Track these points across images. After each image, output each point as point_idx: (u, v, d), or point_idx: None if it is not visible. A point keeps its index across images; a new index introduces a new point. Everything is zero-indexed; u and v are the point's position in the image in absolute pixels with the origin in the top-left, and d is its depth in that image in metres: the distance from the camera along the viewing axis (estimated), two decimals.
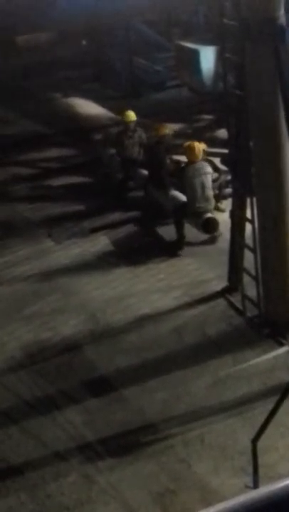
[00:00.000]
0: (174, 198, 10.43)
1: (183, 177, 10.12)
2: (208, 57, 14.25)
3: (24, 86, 16.85)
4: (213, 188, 10.22)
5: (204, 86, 14.43)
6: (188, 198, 10.07)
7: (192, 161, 10.09)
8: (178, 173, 10.38)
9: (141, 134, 11.72)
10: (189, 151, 10.11)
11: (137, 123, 11.87)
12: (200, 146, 10.16)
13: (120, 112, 12.21)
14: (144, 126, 12.04)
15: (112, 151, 12.10)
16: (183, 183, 10.14)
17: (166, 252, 9.92)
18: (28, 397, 7.53)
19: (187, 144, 10.28)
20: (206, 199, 9.98)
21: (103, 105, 15.61)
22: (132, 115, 11.73)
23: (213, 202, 10.07)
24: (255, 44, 7.29)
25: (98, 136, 13.85)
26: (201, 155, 10.09)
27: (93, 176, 12.55)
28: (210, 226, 9.86)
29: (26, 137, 14.26)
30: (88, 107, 15.82)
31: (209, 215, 9.91)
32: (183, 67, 15.22)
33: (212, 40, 13.69)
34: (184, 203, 10.15)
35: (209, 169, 10.10)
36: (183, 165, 10.35)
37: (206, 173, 10.02)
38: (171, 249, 9.93)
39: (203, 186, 9.97)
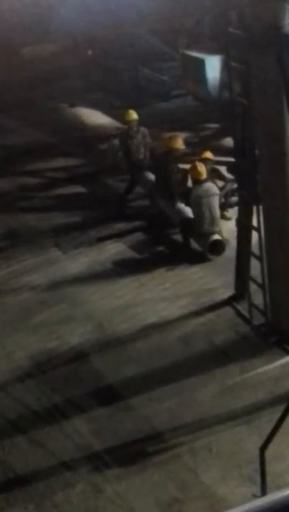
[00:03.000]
0: (181, 211, 10.39)
1: (190, 198, 10.08)
2: (213, 67, 14.29)
3: (30, 96, 16.92)
4: (220, 196, 10.20)
5: (210, 95, 14.46)
6: (195, 219, 10.00)
7: (198, 180, 10.04)
8: (185, 194, 10.32)
9: (144, 133, 11.53)
10: (194, 172, 10.07)
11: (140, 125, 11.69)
12: (203, 167, 10.07)
13: (123, 115, 12.07)
14: (150, 135, 12.02)
15: (120, 154, 11.91)
16: (190, 204, 10.10)
17: (172, 261, 9.91)
18: (35, 407, 7.53)
19: (191, 164, 10.18)
20: (213, 220, 9.88)
21: (109, 115, 15.65)
22: (133, 114, 11.52)
23: (219, 224, 9.94)
24: (260, 53, 7.30)
25: (104, 146, 13.89)
26: (205, 173, 10.01)
27: (99, 186, 12.57)
28: (216, 248, 9.80)
29: (33, 147, 14.31)
30: (94, 117, 15.87)
31: (216, 237, 9.81)
32: (188, 77, 15.26)
33: (217, 49, 13.73)
34: (190, 220, 10.08)
35: (216, 190, 10.02)
36: (189, 185, 10.28)
37: (213, 195, 9.92)
38: (176, 258, 9.89)
39: (210, 207, 9.88)
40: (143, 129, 11.60)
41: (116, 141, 12.11)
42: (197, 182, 10.05)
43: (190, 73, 15.12)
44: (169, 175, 10.73)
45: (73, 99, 16.73)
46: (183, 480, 6.39)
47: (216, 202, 9.94)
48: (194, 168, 10.09)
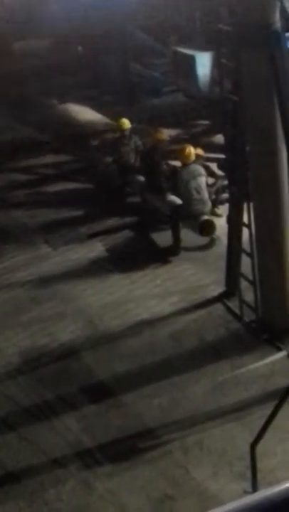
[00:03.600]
0: (171, 203, 10.45)
1: (177, 180, 10.16)
2: (204, 63, 14.30)
3: (20, 92, 16.85)
4: (210, 193, 10.24)
5: (200, 91, 14.47)
6: (183, 201, 10.10)
7: (185, 163, 10.13)
8: (172, 176, 10.42)
9: (136, 141, 11.81)
10: (181, 154, 10.16)
11: (133, 129, 11.91)
12: (192, 149, 10.19)
13: (115, 119, 12.26)
14: (140, 131, 12.06)
15: (109, 157, 12.14)
16: (178, 186, 10.17)
17: (162, 258, 9.92)
18: (25, 404, 7.51)
19: (179, 147, 10.34)
20: (202, 201, 10.00)
21: (100, 111, 15.63)
22: (126, 123, 11.83)
23: (209, 204, 10.08)
24: (250, 49, 7.31)
25: (95, 143, 13.87)
26: (193, 157, 10.13)
27: (89, 182, 12.56)
28: (206, 228, 9.85)
29: (23, 143, 14.27)
30: (85, 113, 15.84)
31: (206, 217, 9.92)
32: (179, 73, 15.26)
33: (208, 45, 13.73)
34: (180, 206, 10.17)
35: (203, 171, 10.14)
36: (178, 169, 10.38)
37: (200, 175, 10.06)
38: (167, 254, 9.94)
39: (198, 188, 10.00)
40: (135, 137, 11.84)
41: (108, 156, 12.24)
42: (184, 165, 10.10)
43: (180, 70, 15.12)
44: (158, 168, 10.79)
45: (64, 96, 16.70)
46: (174, 476, 6.40)
47: (203, 183, 10.04)
48: (182, 151, 10.15)
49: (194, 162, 10.16)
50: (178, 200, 10.30)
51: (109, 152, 12.21)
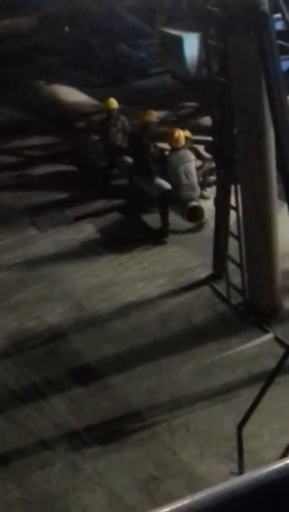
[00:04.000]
0: (159, 186, 10.41)
1: (166, 165, 10.11)
2: (191, 44, 14.20)
3: (5, 73, 16.70)
4: (198, 176, 10.21)
5: (188, 73, 14.39)
6: (172, 186, 10.06)
7: (175, 148, 10.07)
8: (161, 161, 10.36)
9: (124, 122, 11.70)
10: (171, 138, 10.10)
11: (120, 110, 11.83)
12: (182, 133, 10.13)
13: (103, 100, 12.18)
14: (128, 113, 11.99)
15: (96, 138, 12.06)
16: (167, 171, 10.12)
17: (150, 240, 9.92)
18: (13, 386, 7.52)
19: (169, 131, 10.27)
20: (191, 187, 9.95)
21: (86, 92, 15.53)
22: (114, 103, 11.69)
23: (198, 189, 10.04)
24: (238, 31, 7.27)
25: (82, 124, 13.80)
26: (183, 141, 10.07)
27: (77, 164, 12.51)
28: (195, 214, 9.83)
29: (8, 125, 14.17)
30: (71, 95, 15.74)
31: (194, 203, 9.88)
32: (166, 54, 15.16)
33: (196, 27, 13.64)
34: (168, 191, 10.14)
35: (192, 157, 10.07)
36: (167, 153, 10.34)
37: (189, 161, 10.00)
38: (156, 237, 9.93)
39: (187, 174, 9.94)
40: (122, 117, 11.73)
41: (95, 137, 12.17)
42: (174, 149, 10.05)
43: (168, 51, 15.02)
44: (146, 150, 10.73)
45: (50, 77, 16.58)
46: (161, 458, 6.44)
47: (192, 168, 9.97)
48: (172, 135, 10.09)
49: (184, 147, 10.09)
50: (166, 184, 10.27)
51: (97, 133, 12.11)
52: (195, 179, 10.00)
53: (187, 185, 9.92)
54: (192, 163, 10.02)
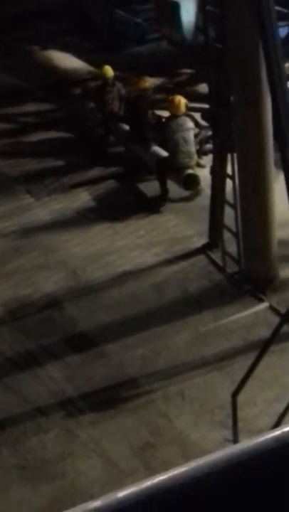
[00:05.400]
0: (156, 154, 10.35)
1: (164, 131, 10.05)
2: (188, 10, 14.03)
3: (0, 39, 16.48)
4: (194, 144, 10.15)
5: (185, 39, 14.23)
6: (169, 153, 10.00)
7: (174, 115, 10.00)
8: (159, 127, 10.30)
9: (120, 89, 11.62)
10: (172, 105, 10.02)
11: (116, 77, 11.72)
12: (182, 100, 10.05)
13: (98, 67, 12.06)
14: (124, 80, 11.87)
15: (92, 105, 11.97)
16: (164, 138, 10.06)
17: (147, 208, 9.88)
18: (8, 354, 7.54)
19: (170, 97, 10.18)
20: (188, 154, 9.91)
21: (82, 58, 15.35)
22: (109, 70, 11.62)
23: (195, 157, 10.00)
24: None
25: (77, 91, 13.66)
26: (183, 108, 10.01)
27: (72, 131, 12.41)
28: (191, 182, 9.79)
29: (3, 92, 14.02)
30: (67, 61, 15.55)
31: (190, 171, 9.84)
32: (163, 20, 14.97)
33: None
34: (165, 158, 10.08)
35: (191, 124, 10.01)
36: (164, 120, 10.26)
37: (188, 129, 9.94)
38: (154, 204, 9.89)
39: (185, 141, 9.89)
40: (118, 84, 11.63)
41: (91, 104, 12.06)
42: (173, 116, 9.99)
43: (164, 17, 14.83)
44: (143, 118, 10.65)
45: (45, 43, 16.36)
46: (156, 425, 6.49)
47: (190, 136, 9.92)
48: (173, 101, 10.01)
49: (183, 114, 10.00)
50: (163, 152, 10.20)
51: (93, 100, 12.03)
52: (193, 147, 9.94)
53: (184, 153, 9.88)
54: (191, 132, 9.96)
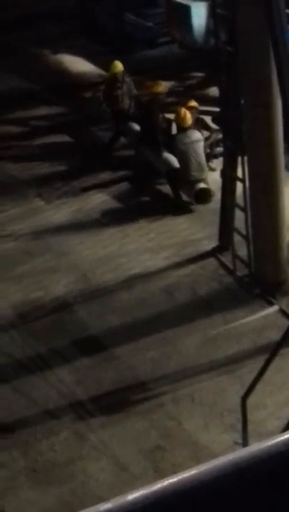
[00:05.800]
0: (167, 161, 10.28)
1: (174, 145, 9.97)
2: (199, 13, 14.04)
3: (8, 41, 16.50)
4: (205, 147, 10.12)
5: (195, 42, 14.24)
6: (180, 166, 9.90)
7: (183, 128, 9.92)
8: (169, 141, 10.21)
9: (130, 85, 11.45)
10: (178, 118, 9.94)
11: (125, 74, 11.60)
12: (188, 113, 9.95)
13: (108, 64, 11.93)
14: (135, 83, 11.86)
15: (104, 107, 11.85)
16: (174, 152, 9.99)
17: (157, 212, 9.87)
18: (19, 357, 7.56)
19: (176, 109, 10.09)
20: (199, 167, 9.80)
21: (92, 62, 15.38)
22: (119, 65, 11.43)
23: (206, 169, 9.86)
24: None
25: (88, 94, 13.68)
26: (190, 121, 9.90)
27: (83, 135, 12.42)
28: (203, 196, 9.73)
29: (13, 95, 14.06)
30: (77, 64, 15.59)
31: (202, 185, 9.72)
32: (174, 24, 14.99)
33: None
34: (176, 169, 9.99)
35: (201, 136, 9.92)
36: (174, 125, 10.20)
37: (197, 141, 9.81)
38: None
39: (195, 155, 9.77)
40: (128, 80, 11.49)
41: (100, 94, 11.98)
42: (181, 129, 9.94)
43: (175, 20, 14.85)
44: (154, 123, 10.60)
45: (55, 45, 16.39)
46: (166, 428, 6.49)
47: (201, 148, 9.84)
48: (179, 115, 9.97)
49: (191, 126, 9.90)
50: (173, 160, 10.11)
51: (103, 97, 11.88)
52: (203, 159, 9.83)
53: (195, 166, 9.77)
54: (200, 144, 9.83)
